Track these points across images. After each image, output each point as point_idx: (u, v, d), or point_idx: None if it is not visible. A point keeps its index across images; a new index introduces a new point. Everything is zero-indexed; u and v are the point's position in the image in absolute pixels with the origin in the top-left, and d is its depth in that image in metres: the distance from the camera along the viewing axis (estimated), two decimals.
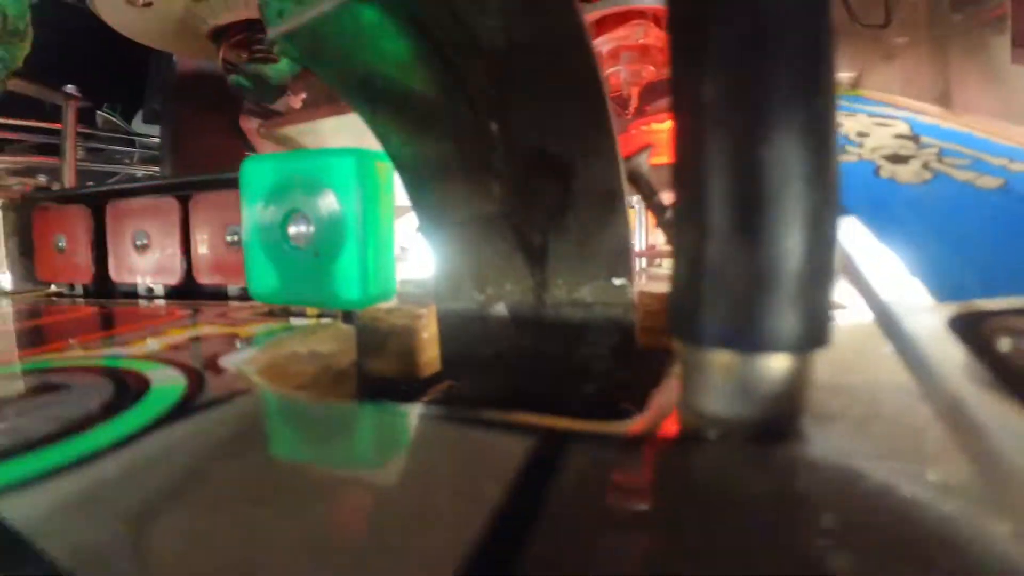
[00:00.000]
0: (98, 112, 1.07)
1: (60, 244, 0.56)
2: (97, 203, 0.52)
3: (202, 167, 0.85)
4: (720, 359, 0.12)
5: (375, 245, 0.28)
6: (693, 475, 0.11)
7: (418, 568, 0.08)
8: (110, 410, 0.16)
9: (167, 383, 0.19)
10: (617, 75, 0.74)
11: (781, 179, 0.11)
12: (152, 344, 0.25)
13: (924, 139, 0.32)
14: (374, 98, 0.24)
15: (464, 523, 0.09)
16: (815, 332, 0.11)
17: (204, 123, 0.86)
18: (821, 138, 0.11)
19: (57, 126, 1.02)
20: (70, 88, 0.74)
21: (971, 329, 0.13)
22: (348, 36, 0.21)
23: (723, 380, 0.12)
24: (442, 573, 0.08)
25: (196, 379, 0.20)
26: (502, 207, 0.26)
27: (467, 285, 0.28)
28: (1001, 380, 0.11)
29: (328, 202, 0.27)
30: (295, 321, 0.31)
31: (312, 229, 0.28)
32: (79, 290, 0.56)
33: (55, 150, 1.07)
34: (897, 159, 0.28)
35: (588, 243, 0.24)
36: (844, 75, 0.57)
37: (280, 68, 0.40)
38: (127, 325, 0.32)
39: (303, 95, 0.67)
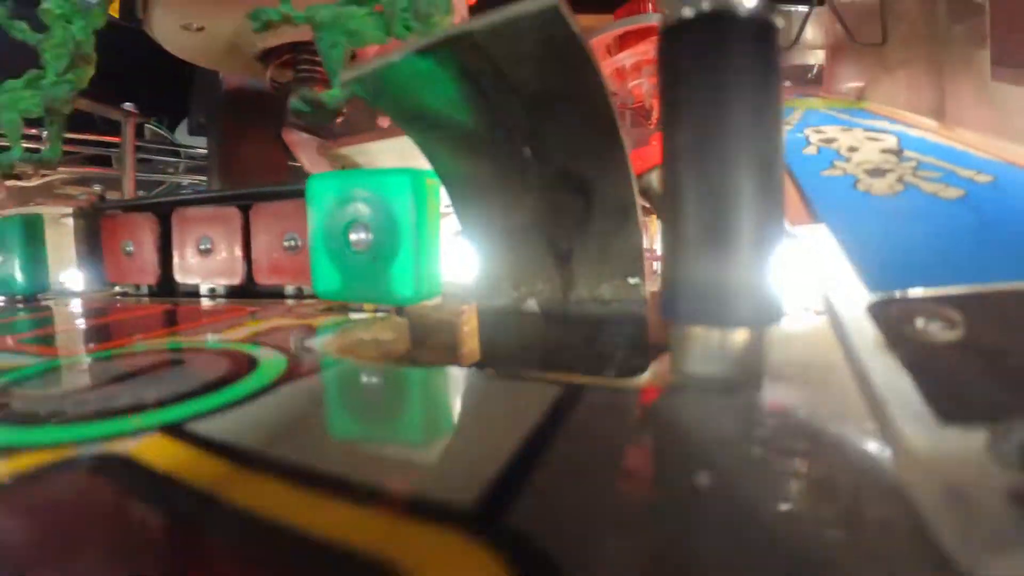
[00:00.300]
0: (146, 125, 1.14)
1: (128, 249, 0.62)
2: (163, 211, 0.58)
3: (248, 177, 0.92)
4: (694, 332, 0.17)
5: (425, 250, 0.33)
6: (669, 411, 0.16)
7: (480, 458, 0.13)
8: (238, 375, 0.21)
9: (273, 357, 0.24)
10: (640, 87, 0.79)
11: (734, 205, 0.15)
12: (252, 330, 0.31)
13: (907, 153, 0.36)
14: (426, 127, 0.29)
15: (511, 434, 0.14)
16: (763, 313, 0.16)
17: (249, 136, 0.93)
18: (766, 175, 0.16)
19: (108, 139, 1.09)
20: (128, 105, 0.80)
21: (885, 312, 0.18)
22: (406, 80, 0.26)
23: (697, 347, 0.17)
24: (499, 458, 0.13)
25: (294, 355, 0.25)
26: (534, 218, 0.31)
27: (504, 284, 0.33)
28: (900, 349, 0.16)
29: (386, 213, 0.32)
30: (353, 315, 0.36)
31: (371, 236, 0.33)
32: (144, 290, 0.62)
33: (105, 161, 1.14)
34: (876, 173, 0.32)
35: (607, 248, 0.28)
36: (852, 84, 0.61)
37: (334, 94, 0.45)
38: (224, 316, 0.38)
39: (344, 111, 0.73)
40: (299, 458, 0.13)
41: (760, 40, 0.16)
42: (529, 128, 0.28)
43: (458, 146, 0.30)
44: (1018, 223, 0.26)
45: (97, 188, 1.06)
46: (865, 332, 0.16)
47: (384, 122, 0.74)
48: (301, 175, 1.04)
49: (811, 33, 0.75)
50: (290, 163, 0.95)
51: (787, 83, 0.74)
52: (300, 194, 0.46)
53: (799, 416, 0.15)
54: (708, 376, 0.17)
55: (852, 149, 0.37)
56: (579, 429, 0.14)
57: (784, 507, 0.11)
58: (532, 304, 0.33)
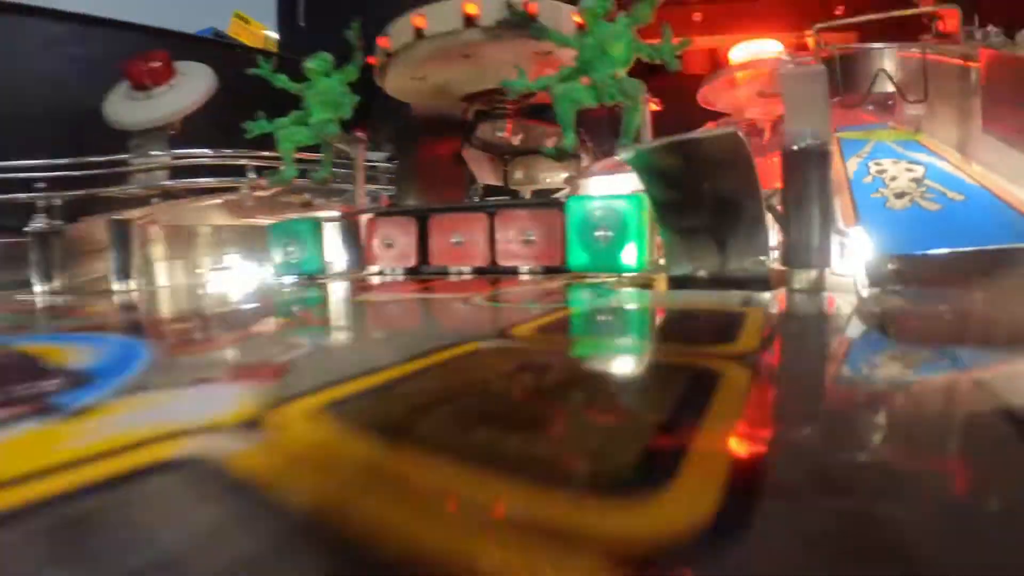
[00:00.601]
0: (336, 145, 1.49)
1: (387, 242, 0.96)
2: (420, 215, 0.91)
3: (434, 186, 1.26)
4: (796, 271, 0.47)
5: (642, 242, 0.64)
6: (789, 303, 0.47)
7: (731, 303, 0.44)
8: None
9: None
10: (753, 112, 1.08)
11: (811, 223, 0.46)
12: (555, 287, 0.63)
13: (926, 181, 0.65)
14: (650, 173, 0.60)
15: (735, 299, 0.45)
16: (824, 260, 0.47)
17: (434, 154, 1.26)
18: (825, 211, 0.46)
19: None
20: (360, 134, 1.15)
21: (876, 261, 0.48)
22: (652, 154, 0.57)
23: (796, 278, 0.47)
24: (736, 305, 0.44)
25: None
26: (706, 223, 0.61)
27: (684, 260, 0.63)
28: (872, 273, 0.46)
29: (621, 219, 0.64)
30: (592, 280, 0.67)
31: (610, 233, 0.65)
32: (399, 271, 0.95)
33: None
34: (899, 195, 0.61)
35: (747, 241, 0.59)
36: (914, 111, 0.88)
37: (570, 143, 0.76)
38: (511, 283, 0.71)
39: (521, 135, 1.06)
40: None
41: (821, 157, 0.47)
42: (710, 173, 0.58)
43: (667, 183, 0.61)
44: (967, 225, 0.55)
45: (307, 196, 1.42)
46: (861, 270, 0.46)
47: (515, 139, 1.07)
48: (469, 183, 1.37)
49: (889, 65, 1.01)
50: (468, 177, 1.29)
51: (871, 107, 1.01)
52: (535, 205, 0.79)
53: (834, 296, 0.45)
54: (801, 288, 0.48)
55: (893, 178, 0.66)
56: (757, 302, 0.45)
57: (830, 311, 0.41)
58: (702, 273, 0.63)
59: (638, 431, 0.21)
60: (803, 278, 0.51)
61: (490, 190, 1.44)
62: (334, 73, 1.11)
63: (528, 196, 1.24)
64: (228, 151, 1.46)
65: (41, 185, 1.48)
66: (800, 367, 0.32)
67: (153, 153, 1.52)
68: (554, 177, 1.25)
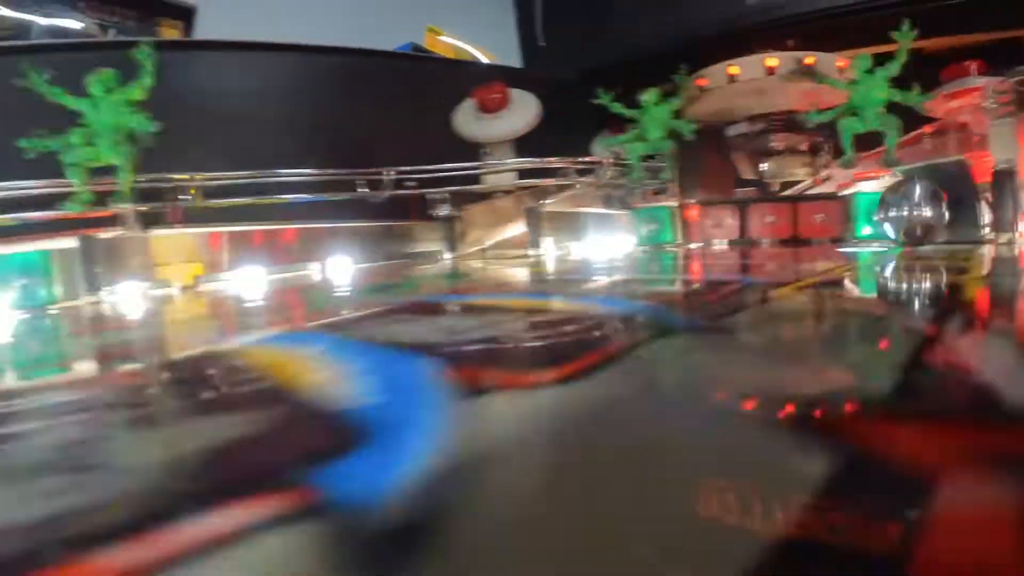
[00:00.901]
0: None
1: (708, 224, 1.56)
2: (740, 205, 1.51)
3: (707, 182, 1.83)
4: (999, 234, 1.03)
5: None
6: (996, 249, 1.02)
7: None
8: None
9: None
10: (963, 119, 1.56)
11: (1007, 204, 1.02)
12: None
13: None
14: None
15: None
16: (1014, 228, 1.02)
17: (707, 157, 1.83)
18: (1016, 198, 1.02)
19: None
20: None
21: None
22: (912, 171, 1.15)
23: (1000, 236, 1.03)
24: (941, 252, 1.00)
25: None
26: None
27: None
28: None
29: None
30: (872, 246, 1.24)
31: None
32: (724, 243, 1.54)
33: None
34: None
35: (968, 219, 1.14)
36: None
37: (848, 159, 1.32)
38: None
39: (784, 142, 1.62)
40: None
41: (1011, 173, 1.03)
42: (946, 181, 1.14)
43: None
44: None
45: (610, 191, 2.02)
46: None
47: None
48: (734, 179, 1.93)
49: None
50: (737, 176, 1.85)
51: None
52: (825, 197, 1.37)
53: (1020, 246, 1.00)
54: (1002, 243, 1.03)
55: None
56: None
57: (1019, 252, 0.97)
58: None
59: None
60: (1003, 238, 1.03)
61: (745, 183, 2.00)
62: (661, 105, 1.69)
63: (776, 187, 1.78)
64: (552, 158, 2.10)
65: (412, 184, 2.18)
66: (1008, 268, 0.88)
67: (491, 162, 2.19)
68: (798, 172, 1.78)
